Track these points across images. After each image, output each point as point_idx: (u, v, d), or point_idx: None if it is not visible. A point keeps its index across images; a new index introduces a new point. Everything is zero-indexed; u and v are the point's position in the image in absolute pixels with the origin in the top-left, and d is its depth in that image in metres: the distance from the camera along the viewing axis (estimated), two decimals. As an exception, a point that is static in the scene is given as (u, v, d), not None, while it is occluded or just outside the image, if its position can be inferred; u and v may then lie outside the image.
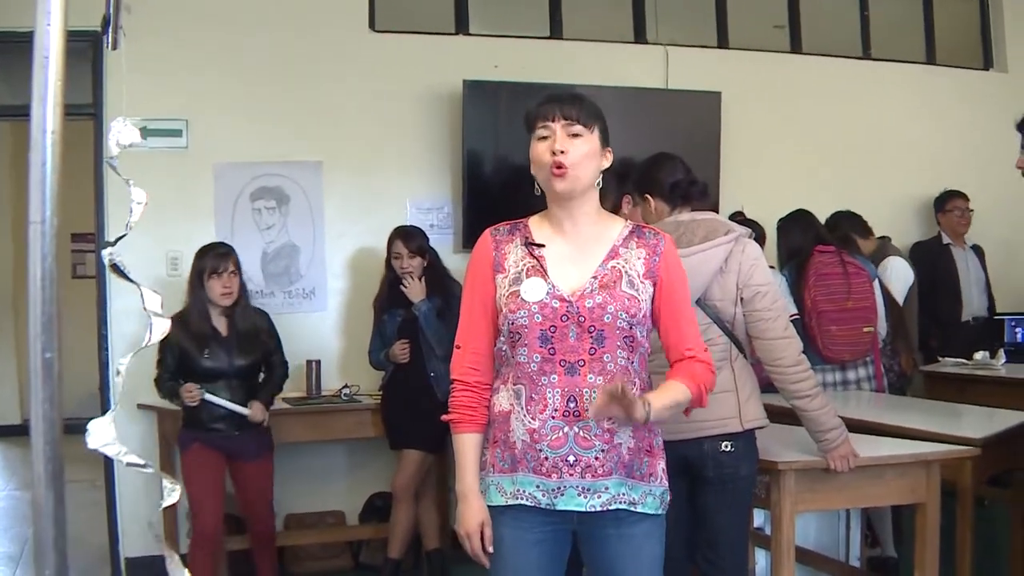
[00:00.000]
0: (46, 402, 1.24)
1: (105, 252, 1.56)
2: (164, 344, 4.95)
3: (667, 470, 2.85)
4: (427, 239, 5.74)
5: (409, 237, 5.65)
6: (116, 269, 1.58)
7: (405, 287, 5.52)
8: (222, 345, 5.07)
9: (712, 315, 3.63)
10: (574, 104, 2.75)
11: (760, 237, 5.76)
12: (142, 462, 1.55)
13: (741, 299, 3.65)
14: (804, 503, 3.87)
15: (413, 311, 5.50)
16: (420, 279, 5.54)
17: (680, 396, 2.70)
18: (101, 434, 1.46)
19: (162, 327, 1.60)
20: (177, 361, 5.05)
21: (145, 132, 5.82)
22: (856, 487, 3.90)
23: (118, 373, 1.51)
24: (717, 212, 6.62)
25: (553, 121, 2.72)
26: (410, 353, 5.54)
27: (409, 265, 5.54)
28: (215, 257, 5.07)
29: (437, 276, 5.68)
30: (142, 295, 1.48)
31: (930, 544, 4.06)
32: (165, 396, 5.15)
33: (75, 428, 1.61)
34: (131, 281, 1.56)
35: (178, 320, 4.88)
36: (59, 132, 1.25)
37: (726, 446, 3.61)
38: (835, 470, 3.73)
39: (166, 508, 4.51)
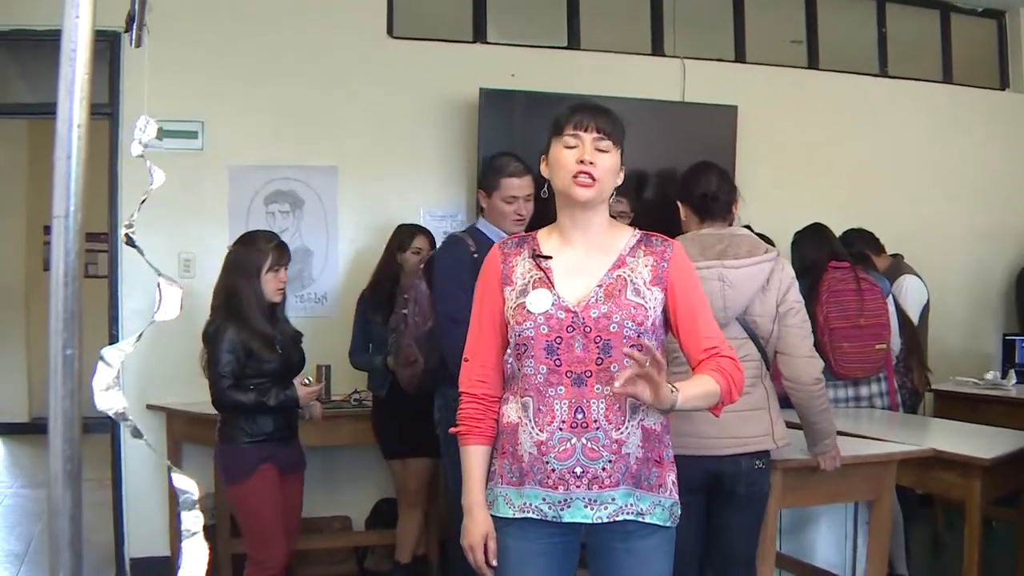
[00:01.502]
0: (66, 399, 1.24)
1: (122, 230, 1.55)
2: (221, 350, 4.34)
3: (689, 485, 2.84)
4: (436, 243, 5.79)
5: (428, 234, 5.74)
6: (132, 244, 1.57)
7: None
8: (282, 342, 4.51)
9: (749, 331, 3.67)
10: (607, 118, 2.74)
11: (769, 251, 5.74)
12: (173, 466, 1.54)
13: (778, 315, 3.73)
14: (787, 500, 4.00)
15: None
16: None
17: (710, 387, 2.65)
18: (110, 400, 1.44)
19: (169, 311, 1.57)
20: (241, 365, 4.35)
21: (161, 133, 5.82)
22: (830, 484, 4.10)
23: (102, 364, 1.48)
24: (731, 225, 6.68)
25: (585, 131, 2.70)
26: None
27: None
28: (278, 250, 4.54)
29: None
30: (158, 279, 1.46)
31: (882, 535, 4.39)
32: (270, 406, 4.39)
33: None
34: (143, 256, 1.55)
35: (237, 318, 4.38)
36: (85, 126, 1.24)
37: (760, 463, 3.67)
38: (825, 469, 3.90)
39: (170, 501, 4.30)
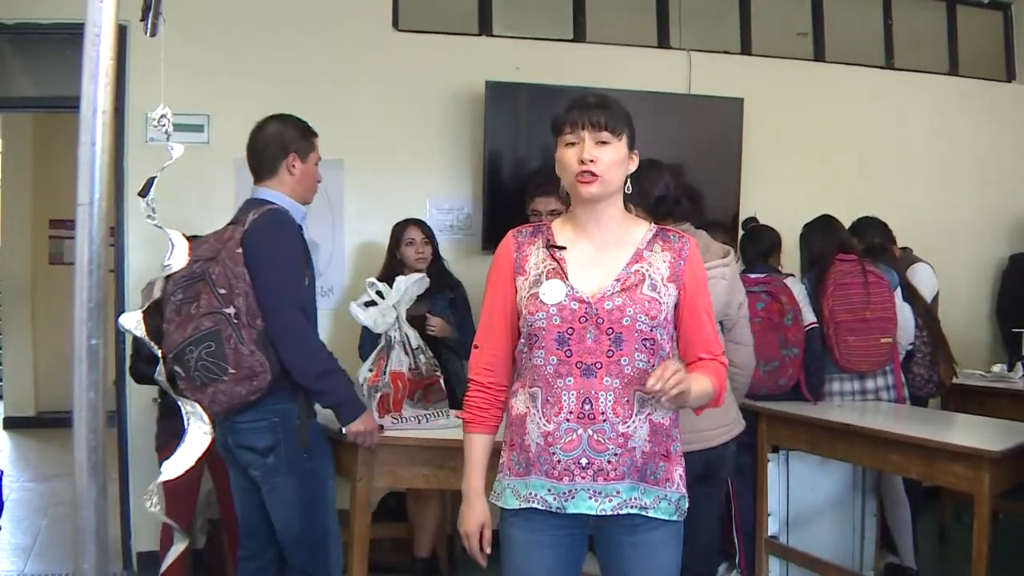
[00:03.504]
0: (91, 389, 1.23)
1: (143, 204, 1.58)
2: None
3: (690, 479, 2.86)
4: (434, 233, 5.78)
5: (423, 224, 5.70)
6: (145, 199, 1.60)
7: (431, 329, 5.40)
8: None
9: (719, 324, 3.83)
10: (603, 111, 2.72)
11: (776, 243, 5.73)
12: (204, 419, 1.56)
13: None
14: None
15: (448, 343, 5.46)
16: (429, 269, 5.47)
17: (708, 389, 2.71)
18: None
19: (179, 260, 1.60)
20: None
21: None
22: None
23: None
24: (737, 218, 6.68)
25: (582, 128, 2.70)
26: None
27: (424, 251, 5.57)
28: None
29: (443, 270, 5.69)
30: (170, 240, 1.48)
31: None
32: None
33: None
34: (160, 227, 1.58)
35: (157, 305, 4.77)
36: (110, 112, 1.24)
37: (736, 445, 3.98)
38: None
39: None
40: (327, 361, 3.88)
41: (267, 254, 3.75)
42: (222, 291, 3.67)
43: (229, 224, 3.94)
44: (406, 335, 4.30)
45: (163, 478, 1.48)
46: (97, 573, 1.19)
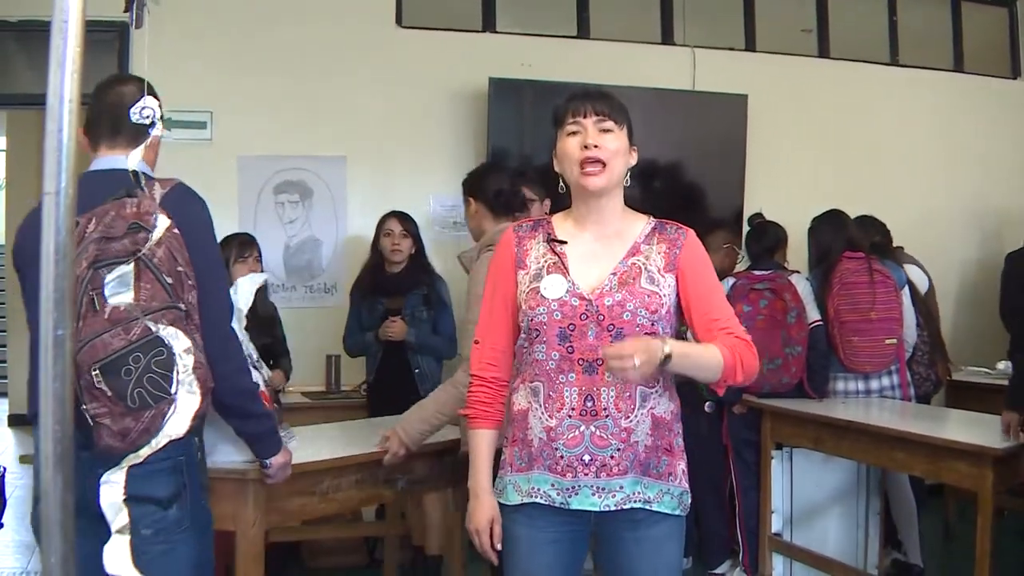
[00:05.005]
0: (56, 380, 1.22)
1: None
2: None
3: None
4: (417, 228, 5.71)
5: (404, 217, 5.63)
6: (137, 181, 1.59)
7: (390, 334, 5.42)
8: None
9: None
10: (605, 100, 2.72)
11: (782, 239, 5.71)
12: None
13: None
14: None
15: (408, 340, 5.42)
16: (399, 319, 5.45)
17: (708, 355, 2.62)
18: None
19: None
20: None
21: (169, 123, 5.82)
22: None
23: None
24: (742, 215, 6.67)
25: (584, 117, 2.68)
26: (395, 351, 5.47)
27: (400, 244, 5.51)
28: (240, 244, 5.19)
29: (423, 265, 5.64)
30: (154, 224, 1.47)
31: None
32: None
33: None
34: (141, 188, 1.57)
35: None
36: (77, 101, 1.23)
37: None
38: None
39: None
40: (254, 382, 3.12)
41: (207, 246, 2.88)
42: (169, 281, 2.68)
43: (112, 197, 2.70)
44: (250, 345, 3.37)
45: (130, 463, 1.46)
46: (63, 567, 1.19)
